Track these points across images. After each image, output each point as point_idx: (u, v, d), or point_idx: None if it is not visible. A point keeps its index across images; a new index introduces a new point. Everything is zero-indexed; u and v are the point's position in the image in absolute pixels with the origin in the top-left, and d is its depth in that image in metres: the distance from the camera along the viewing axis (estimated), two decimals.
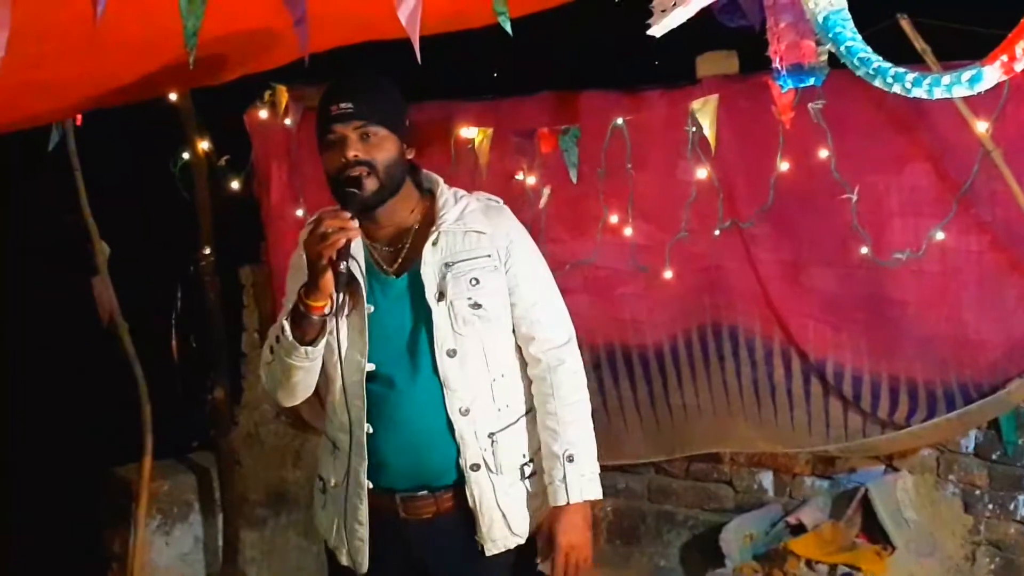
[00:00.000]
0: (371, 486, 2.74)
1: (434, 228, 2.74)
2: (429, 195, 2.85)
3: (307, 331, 2.60)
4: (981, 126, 3.34)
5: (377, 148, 2.66)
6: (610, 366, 4.36)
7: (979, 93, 1.81)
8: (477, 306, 2.72)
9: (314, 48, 2.40)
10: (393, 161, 2.69)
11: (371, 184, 2.64)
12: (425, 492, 2.75)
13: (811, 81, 2.11)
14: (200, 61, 1.98)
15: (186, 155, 4.76)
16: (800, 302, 3.96)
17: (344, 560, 2.83)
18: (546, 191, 4.18)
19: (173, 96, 4.44)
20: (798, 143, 3.74)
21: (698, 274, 4.11)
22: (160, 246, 4.92)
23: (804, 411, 4.07)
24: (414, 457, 2.72)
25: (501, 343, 2.82)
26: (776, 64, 2.16)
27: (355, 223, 2.51)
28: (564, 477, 2.78)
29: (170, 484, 5.06)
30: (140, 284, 4.93)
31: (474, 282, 2.72)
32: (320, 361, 2.72)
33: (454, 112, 4.33)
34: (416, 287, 2.72)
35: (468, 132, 4.18)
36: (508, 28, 1.85)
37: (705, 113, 3.73)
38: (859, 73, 1.86)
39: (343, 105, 2.64)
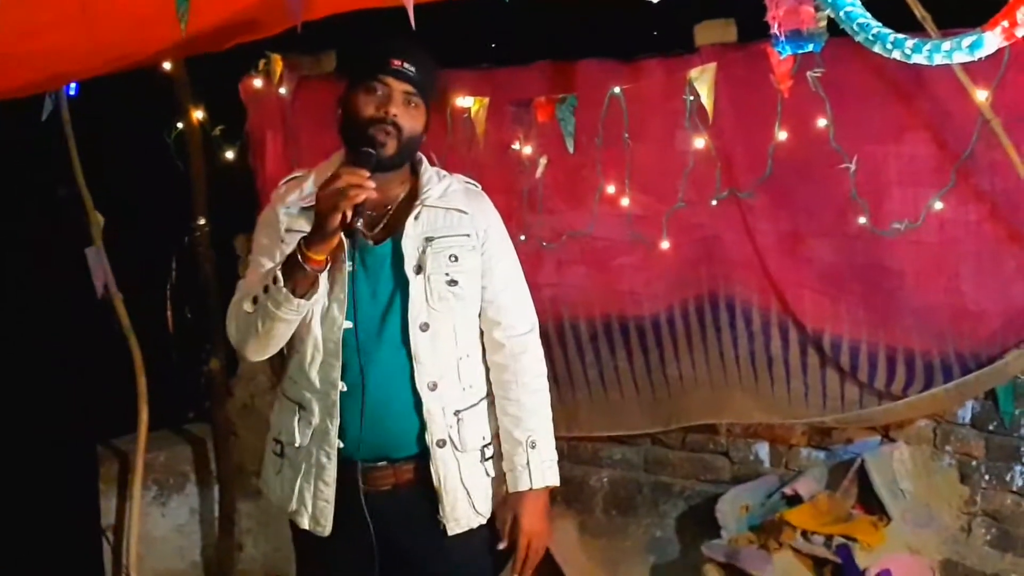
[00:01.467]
0: (341, 445, 2.73)
1: (417, 203, 2.75)
2: (414, 171, 2.87)
3: (300, 283, 2.56)
4: (981, 94, 3.32)
5: (412, 118, 2.69)
6: (607, 337, 4.36)
7: (979, 60, 1.80)
8: (453, 283, 2.73)
9: (307, 16, 2.39)
10: (417, 135, 2.73)
11: (392, 147, 2.66)
12: (384, 463, 2.75)
13: (810, 47, 2.10)
14: (193, 29, 1.97)
15: (180, 125, 4.73)
16: (798, 272, 3.95)
17: (306, 523, 2.80)
18: (543, 161, 4.17)
19: (167, 65, 4.41)
20: (796, 112, 3.72)
21: (695, 244, 4.10)
22: (155, 216, 4.89)
23: (801, 382, 4.07)
24: (378, 426, 2.71)
25: (470, 323, 2.84)
26: (775, 30, 2.14)
27: (371, 182, 2.49)
28: (527, 463, 2.82)
29: (166, 455, 5.06)
30: (135, 255, 4.91)
31: (453, 259, 2.74)
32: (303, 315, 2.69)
33: (450, 81, 4.30)
34: (395, 257, 2.72)
35: (464, 101, 4.15)
36: None
37: (703, 82, 3.70)
38: (858, 39, 1.84)
39: (407, 65, 2.65)
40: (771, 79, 3.35)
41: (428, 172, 2.83)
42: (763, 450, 4.42)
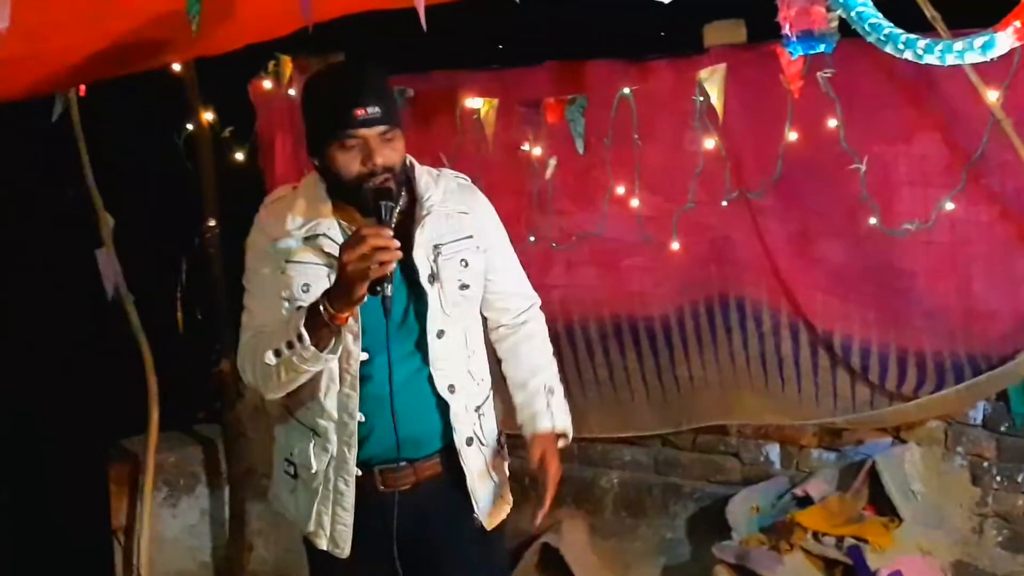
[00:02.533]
0: (359, 473, 2.71)
1: (422, 211, 2.70)
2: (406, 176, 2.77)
3: (324, 338, 2.51)
4: (991, 95, 3.30)
5: (395, 151, 2.60)
6: (617, 338, 4.36)
7: (991, 60, 1.79)
8: (465, 287, 2.73)
9: (318, 18, 2.38)
10: (403, 159, 2.67)
11: (391, 185, 2.57)
12: (404, 463, 2.73)
13: (821, 48, 2.10)
14: (204, 31, 1.97)
15: (190, 126, 4.74)
16: (808, 273, 3.95)
17: (324, 545, 2.78)
18: (552, 162, 4.17)
19: (177, 67, 4.42)
20: (807, 113, 3.71)
21: (705, 245, 4.10)
22: (165, 218, 4.90)
23: (811, 383, 4.06)
24: (400, 436, 2.67)
25: (476, 320, 2.87)
26: (786, 30, 2.14)
27: (396, 242, 2.41)
28: (548, 405, 2.87)
29: (176, 456, 5.07)
30: (145, 256, 4.92)
31: (464, 264, 2.73)
32: None
33: (459, 82, 4.31)
34: (404, 271, 2.67)
35: (474, 102, 4.16)
36: None
37: (713, 83, 3.70)
38: (869, 39, 1.84)
39: (371, 110, 2.54)
40: (781, 80, 3.34)
41: (423, 176, 2.77)
42: (774, 451, 4.41)
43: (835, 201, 3.82)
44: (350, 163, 2.56)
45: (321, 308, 2.47)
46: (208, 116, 4.75)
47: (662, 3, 2.15)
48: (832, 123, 3.68)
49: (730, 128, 3.87)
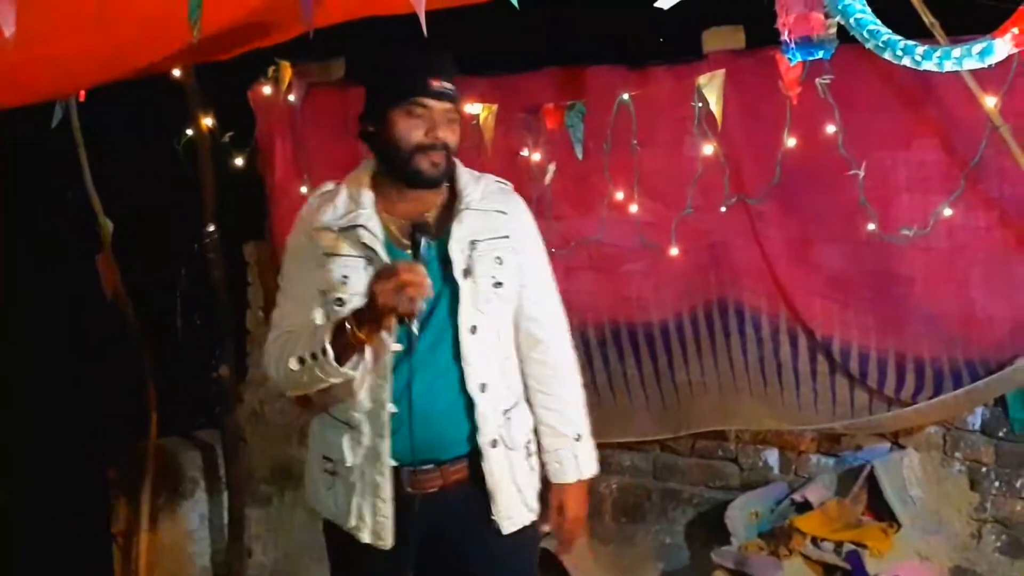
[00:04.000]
0: (394, 464, 2.72)
1: (460, 205, 2.73)
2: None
3: (348, 354, 2.57)
4: (990, 101, 3.31)
5: (455, 133, 2.70)
6: (616, 343, 4.36)
7: (989, 67, 1.80)
8: (499, 284, 2.73)
9: (319, 23, 2.39)
10: (457, 148, 2.74)
11: (443, 167, 2.68)
12: (431, 466, 2.74)
13: (820, 54, 2.10)
14: (204, 36, 1.97)
15: (190, 132, 4.75)
16: (807, 279, 3.95)
17: (367, 538, 2.77)
18: (551, 168, 4.17)
19: (177, 72, 4.42)
20: (805, 119, 3.72)
21: (704, 251, 4.10)
22: (164, 223, 4.91)
23: (810, 388, 4.07)
24: (427, 432, 2.68)
25: (510, 322, 2.85)
26: (784, 36, 2.14)
27: (429, 280, 2.48)
28: (575, 456, 2.88)
29: (175, 461, 5.07)
30: (144, 261, 4.93)
31: (499, 261, 2.73)
32: None
33: (459, 88, 4.30)
34: (440, 264, 2.69)
35: (473, 108, 4.16)
36: (515, 1, 1.84)
37: (711, 88, 3.70)
38: (868, 46, 1.85)
39: (446, 85, 2.64)
40: (780, 86, 3.35)
41: (464, 175, 2.81)
42: (772, 457, 4.41)
43: (834, 207, 3.82)
44: (412, 130, 2.63)
45: (347, 326, 2.52)
46: (208, 121, 4.75)
47: (661, 9, 2.15)
48: (831, 129, 3.69)
49: (729, 134, 3.88)
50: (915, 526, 3.91)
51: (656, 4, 2.06)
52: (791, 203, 3.90)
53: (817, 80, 3.57)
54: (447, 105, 2.65)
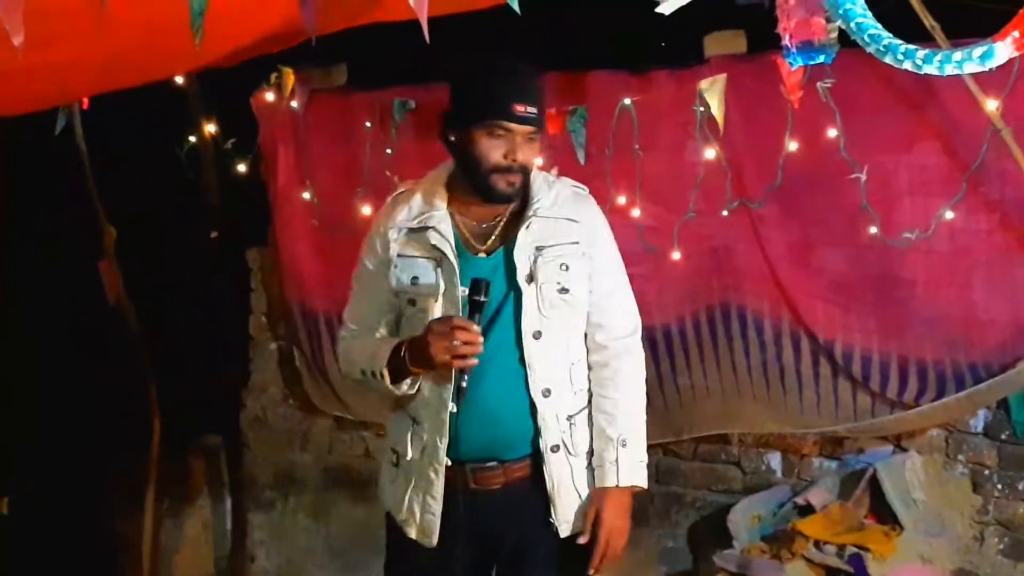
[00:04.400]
0: (448, 463, 2.76)
1: (529, 212, 2.76)
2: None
3: (401, 378, 2.71)
4: (991, 104, 3.32)
5: (534, 152, 2.74)
6: None
7: (990, 70, 1.80)
8: (564, 291, 2.75)
9: (321, 30, 2.39)
10: (534, 162, 2.78)
11: (519, 185, 2.72)
12: (495, 463, 2.78)
13: (821, 58, 2.11)
14: (206, 43, 1.98)
15: (193, 138, 4.76)
16: (809, 282, 3.95)
17: (413, 534, 2.83)
18: (553, 172, 4.17)
19: (179, 79, 4.43)
20: (807, 123, 3.73)
21: (706, 255, 4.10)
22: (167, 230, 4.92)
23: (813, 392, 4.06)
24: (491, 434, 2.74)
25: (579, 329, 2.85)
26: (786, 41, 2.15)
27: (481, 339, 2.58)
28: (616, 460, 2.81)
29: (178, 467, 5.08)
30: (147, 267, 4.93)
31: (564, 267, 2.75)
32: None
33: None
34: (505, 268, 2.74)
35: None
36: (516, 7, 1.85)
37: (713, 93, 3.71)
38: (869, 50, 1.85)
39: (530, 109, 2.66)
40: (781, 90, 3.36)
41: (538, 180, 2.83)
42: (775, 460, 4.41)
43: (836, 210, 3.83)
44: (492, 151, 2.67)
45: (402, 354, 2.66)
46: (210, 128, 4.76)
47: (663, 14, 2.16)
48: (832, 133, 3.70)
49: (731, 138, 3.88)
50: (917, 529, 3.91)
51: (657, 9, 2.06)
52: (793, 207, 3.90)
53: (818, 84, 3.58)
54: (529, 128, 2.67)
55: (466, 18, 2.74)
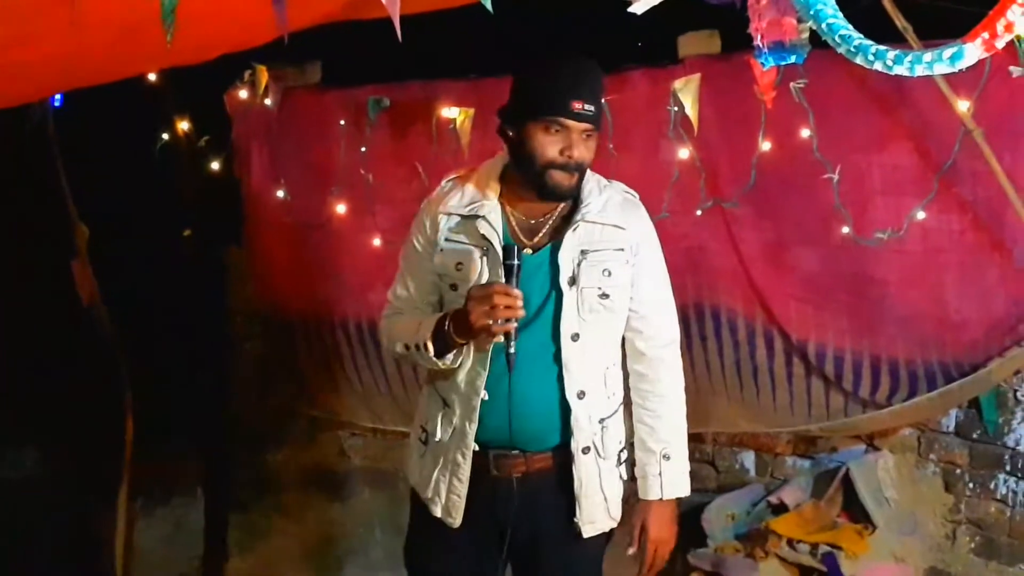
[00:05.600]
0: (476, 448, 2.77)
1: (578, 216, 2.75)
2: None
3: (445, 350, 2.70)
4: (962, 105, 3.34)
5: (589, 150, 2.70)
6: None
7: (960, 71, 1.81)
8: (605, 296, 2.74)
9: (293, 27, 2.39)
10: (591, 161, 2.75)
11: (575, 183, 2.70)
12: (517, 452, 2.78)
13: (792, 59, 2.11)
14: (179, 40, 1.97)
15: (166, 136, 4.73)
16: (782, 282, 3.97)
17: (438, 512, 2.84)
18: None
19: (152, 76, 4.41)
20: (780, 123, 3.75)
21: (680, 255, 4.10)
22: (141, 228, 4.89)
23: (786, 391, 4.08)
24: (517, 426, 2.73)
25: (617, 333, 2.85)
26: (757, 42, 2.15)
27: (521, 304, 2.54)
28: (660, 473, 2.86)
29: (152, 467, 5.05)
30: (121, 266, 4.90)
31: (607, 273, 2.74)
32: None
33: (435, 92, 4.32)
34: (550, 268, 2.74)
35: (449, 112, 4.17)
36: (489, 6, 1.84)
37: (687, 93, 3.72)
38: (840, 50, 1.85)
39: (587, 107, 2.64)
40: (755, 90, 3.37)
41: (589, 184, 2.81)
42: (749, 459, 4.43)
43: (809, 210, 3.84)
44: (548, 147, 2.65)
45: (446, 326, 2.65)
46: (184, 125, 4.74)
47: (636, 14, 2.16)
48: (805, 133, 3.72)
49: (704, 138, 3.89)
50: (890, 528, 3.93)
51: (630, 9, 2.06)
52: (766, 206, 3.92)
53: (792, 85, 3.60)
54: (586, 125, 2.66)
55: (439, 16, 2.73)
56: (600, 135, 2.75)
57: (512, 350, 2.56)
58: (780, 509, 4.07)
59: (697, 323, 4.18)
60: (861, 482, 3.97)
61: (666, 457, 2.87)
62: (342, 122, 4.52)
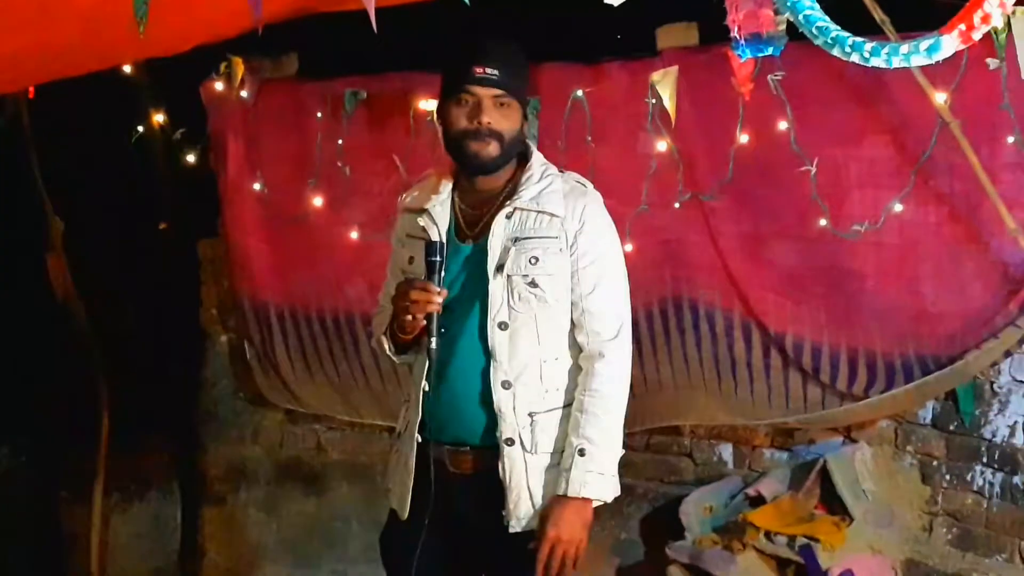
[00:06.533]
0: (419, 440, 2.82)
1: (509, 203, 2.77)
2: (521, 165, 2.88)
3: (400, 349, 2.85)
4: (940, 97, 3.34)
5: (507, 119, 2.73)
6: None
7: (937, 63, 1.81)
8: (534, 284, 2.73)
9: (268, 18, 2.37)
10: (516, 133, 2.78)
11: (493, 151, 2.73)
12: (467, 448, 2.80)
13: (769, 50, 2.11)
14: (153, 31, 1.96)
15: (141, 128, 4.71)
16: (760, 275, 3.97)
17: (394, 503, 2.92)
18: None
19: (127, 68, 4.38)
20: (758, 115, 3.74)
21: (658, 247, 4.10)
22: (116, 221, 4.86)
23: (764, 384, 4.08)
24: (457, 418, 2.78)
25: (557, 326, 2.80)
26: (734, 33, 2.15)
27: (440, 297, 2.63)
28: (570, 468, 2.73)
29: (127, 462, 5.03)
30: (96, 260, 4.87)
31: (533, 260, 2.73)
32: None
33: (413, 84, 4.30)
34: (482, 257, 2.76)
35: (427, 104, 4.15)
36: None
37: (665, 85, 3.72)
38: (817, 42, 1.85)
39: (489, 71, 2.68)
40: (732, 82, 3.36)
41: (529, 171, 2.82)
42: (727, 451, 4.43)
43: (786, 203, 3.84)
44: (459, 117, 2.71)
45: (393, 328, 2.79)
46: (159, 118, 4.71)
47: (613, 5, 2.15)
48: (783, 125, 3.71)
49: (682, 130, 3.89)
50: (867, 519, 3.94)
51: (607, 1, 2.06)
52: (744, 199, 3.91)
53: (769, 76, 3.59)
54: (493, 90, 2.68)
55: (415, 9, 2.72)
56: (525, 106, 2.82)
57: (433, 345, 2.65)
58: (758, 501, 4.07)
59: (675, 316, 4.17)
60: (838, 474, 3.97)
61: (581, 453, 2.72)
62: (319, 114, 4.50)
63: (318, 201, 4.54)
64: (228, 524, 5.18)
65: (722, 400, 4.18)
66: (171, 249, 4.95)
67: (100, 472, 4.73)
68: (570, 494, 2.72)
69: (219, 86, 4.60)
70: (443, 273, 2.66)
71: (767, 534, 3.92)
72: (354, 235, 4.52)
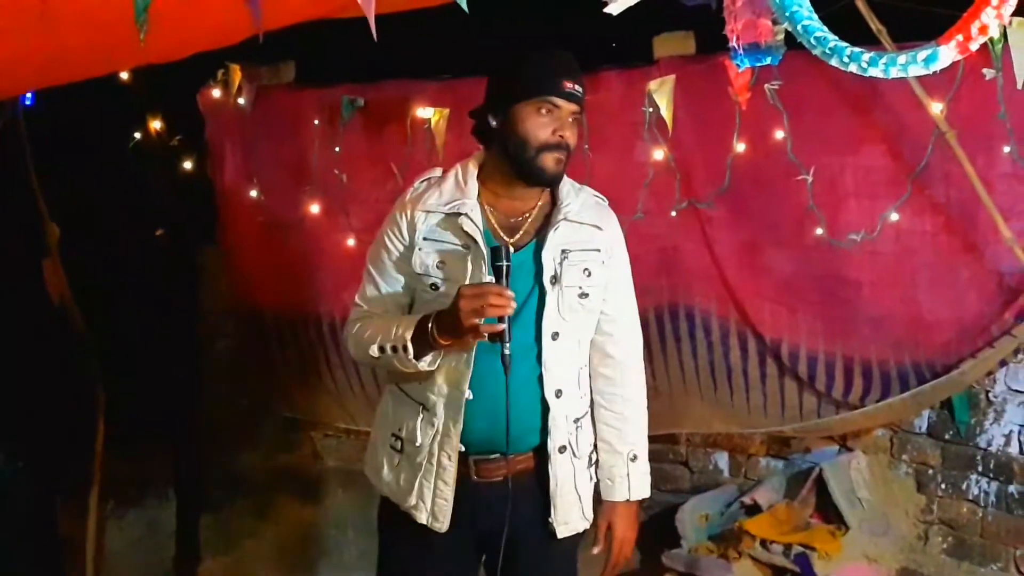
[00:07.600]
0: (463, 449, 2.75)
1: (559, 215, 2.75)
2: None
3: (426, 352, 2.65)
4: (936, 107, 3.35)
5: (576, 135, 2.72)
6: None
7: (934, 73, 1.81)
8: (584, 296, 2.75)
9: (268, 26, 2.37)
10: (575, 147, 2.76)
11: (563, 166, 2.71)
12: (497, 455, 2.76)
13: (768, 60, 2.10)
14: (152, 38, 1.95)
15: (139, 135, 4.71)
16: (756, 283, 3.98)
17: (423, 519, 2.80)
18: None
19: (125, 75, 4.38)
20: (754, 124, 3.75)
21: (655, 255, 4.11)
22: (113, 227, 4.86)
23: (760, 392, 4.09)
24: (500, 427, 2.69)
25: (591, 334, 2.87)
26: (732, 43, 2.15)
27: (514, 303, 2.52)
28: (628, 475, 2.89)
29: (124, 468, 5.02)
30: (93, 266, 4.87)
31: (587, 273, 2.75)
32: None
33: (411, 92, 4.30)
34: (531, 267, 2.73)
35: (424, 112, 4.16)
36: (465, 6, 1.83)
37: (662, 94, 3.73)
38: (815, 52, 1.85)
39: (577, 87, 2.66)
40: (729, 91, 3.37)
41: (566, 184, 2.83)
42: (722, 460, 4.44)
43: (783, 212, 3.85)
44: (540, 128, 2.65)
45: (429, 327, 2.60)
46: (156, 124, 4.71)
47: (611, 14, 2.16)
48: (779, 134, 3.72)
49: (679, 139, 3.90)
50: (863, 528, 3.95)
51: (606, 9, 2.06)
52: (741, 208, 3.92)
53: (766, 86, 3.60)
54: (574, 107, 2.67)
55: (415, 16, 2.72)
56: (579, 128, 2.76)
57: (507, 351, 2.54)
58: (753, 510, 4.08)
59: (671, 324, 4.18)
60: (834, 483, 3.98)
61: (633, 459, 2.90)
62: (316, 122, 4.50)
63: (315, 208, 4.54)
64: (224, 531, 5.16)
65: (718, 408, 4.19)
66: (169, 256, 4.94)
67: (96, 478, 4.71)
68: (632, 498, 2.90)
69: (216, 93, 4.60)
70: (510, 278, 2.59)
71: (763, 542, 3.93)
72: (351, 242, 4.52)
